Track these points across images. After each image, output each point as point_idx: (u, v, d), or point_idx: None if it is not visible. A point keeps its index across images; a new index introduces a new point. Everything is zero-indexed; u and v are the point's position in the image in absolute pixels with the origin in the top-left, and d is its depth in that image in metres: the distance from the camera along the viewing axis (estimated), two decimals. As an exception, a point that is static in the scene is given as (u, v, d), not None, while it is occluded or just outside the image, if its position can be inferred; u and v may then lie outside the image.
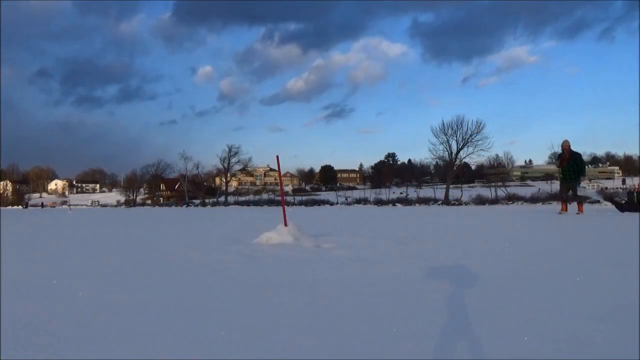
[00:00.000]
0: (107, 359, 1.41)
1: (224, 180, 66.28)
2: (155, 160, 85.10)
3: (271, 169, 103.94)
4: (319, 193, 66.64)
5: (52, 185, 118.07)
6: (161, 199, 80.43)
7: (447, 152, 45.39)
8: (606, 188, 33.21)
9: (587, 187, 35.54)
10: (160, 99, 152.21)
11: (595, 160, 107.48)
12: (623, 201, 12.67)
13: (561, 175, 11.31)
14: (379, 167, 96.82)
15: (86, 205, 77.21)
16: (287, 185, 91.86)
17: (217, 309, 2.01)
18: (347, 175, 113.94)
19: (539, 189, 31.86)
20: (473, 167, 67.19)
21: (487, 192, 33.08)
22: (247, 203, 43.85)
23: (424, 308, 1.97)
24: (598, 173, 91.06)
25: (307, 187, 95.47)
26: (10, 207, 68.65)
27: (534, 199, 27.16)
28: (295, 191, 67.79)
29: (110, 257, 4.04)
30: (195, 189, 66.64)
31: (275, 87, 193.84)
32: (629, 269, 2.87)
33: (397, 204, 31.79)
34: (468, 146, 44.46)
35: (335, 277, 2.81)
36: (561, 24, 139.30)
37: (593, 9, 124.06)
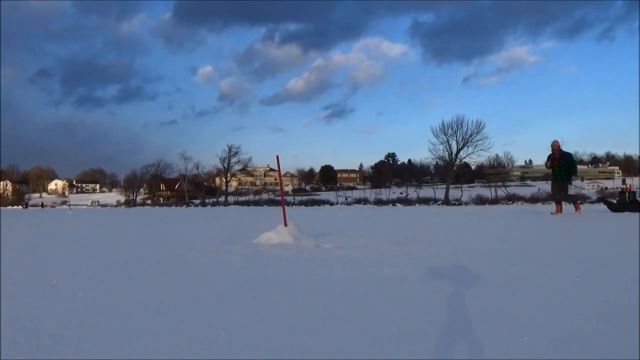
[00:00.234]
0: (107, 359, 1.41)
1: (224, 180, 66.31)
2: (155, 160, 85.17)
3: (271, 169, 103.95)
4: (319, 193, 66.69)
5: (52, 185, 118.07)
6: (161, 199, 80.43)
7: (447, 152, 45.45)
8: (606, 188, 33.22)
9: (584, 188, 35.51)
10: (161, 99, 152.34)
11: (595, 160, 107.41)
12: (615, 201, 12.68)
13: (552, 176, 11.28)
14: (379, 167, 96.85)
15: (86, 205, 77.21)
16: (287, 185, 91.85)
17: (217, 309, 2.01)
18: (347, 175, 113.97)
19: (539, 189, 31.84)
20: (473, 167, 67.24)
21: (487, 192, 33.08)
22: (247, 203, 43.86)
23: (424, 308, 1.97)
24: (598, 173, 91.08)
25: (307, 187, 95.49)
26: (10, 207, 68.67)
27: (534, 199, 27.16)
28: (295, 191, 67.76)
29: (110, 257, 4.04)
30: (195, 189, 66.69)
31: (276, 87, 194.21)
32: (628, 269, 2.87)
33: (397, 204, 31.79)
34: (468, 146, 44.53)
35: (336, 277, 2.81)
36: (561, 24, 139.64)
37: (593, 9, 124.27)
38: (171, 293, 2.40)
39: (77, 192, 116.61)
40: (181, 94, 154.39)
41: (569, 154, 11.13)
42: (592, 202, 22.47)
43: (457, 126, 44.25)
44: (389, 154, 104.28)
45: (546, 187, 30.21)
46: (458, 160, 46.48)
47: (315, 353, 1.43)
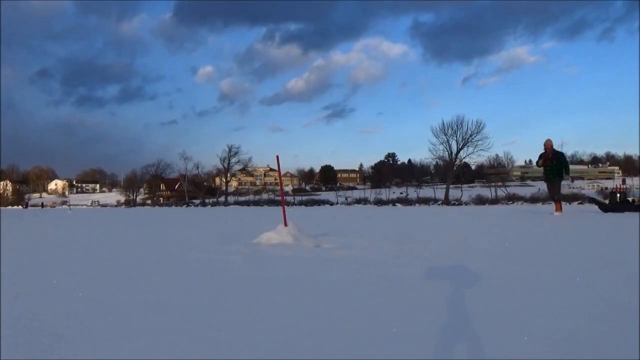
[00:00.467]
0: (107, 359, 1.41)
1: (224, 180, 66.32)
2: (155, 160, 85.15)
3: (271, 169, 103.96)
4: (319, 193, 66.72)
5: (52, 185, 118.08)
6: (161, 199, 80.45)
7: (447, 152, 45.48)
8: (606, 188, 33.18)
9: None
10: (161, 99, 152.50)
11: (595, 160, 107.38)
12: (606, 202, 12.69)
13: (544, 175, 11.26)
14: (379, 167, 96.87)
15: (86, 205, 77.26)
16: (287, 185, 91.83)
17: (217, 309, 2.01)
18: (347, 175, 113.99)
19: (539, 189, 31.83)
20: (473, 167, 67.26)
21: (487, 192, 33.09)
22: (247, 203, 43.89)
23: (424, 308, 1.97)
24: (598, 173, 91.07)
25: (307, 187, 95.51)
26: (10, 207, 68.68)
27: (534, 199, 27.17)
28: (295, 191, 67.78)
29: (110, 257, 4.04)
30: (195, 189, 66.72)
31: (276, 87, 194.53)
32: (628, 269, 2.87)
33: (397, 204, 31.80)
34: (468, 146, 44.56)
35: (336, 277, 2.81)
36: (561, 24, 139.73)
37: (593, 9, 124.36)
38: (171, 293, 2.40)
39: (77, 192, 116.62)
40: (181, 94, 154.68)
41: (561, 154, 11.11)
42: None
43: (457, 126, 44.30)
44: (389, 154, 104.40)
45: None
46: (458, 160, 46.51)
47: (315, 353, 1.43)
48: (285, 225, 4.90)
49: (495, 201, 29.39)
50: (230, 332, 1.65)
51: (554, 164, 10.83)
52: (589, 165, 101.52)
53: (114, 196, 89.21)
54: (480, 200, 29.97)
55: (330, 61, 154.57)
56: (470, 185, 60.30)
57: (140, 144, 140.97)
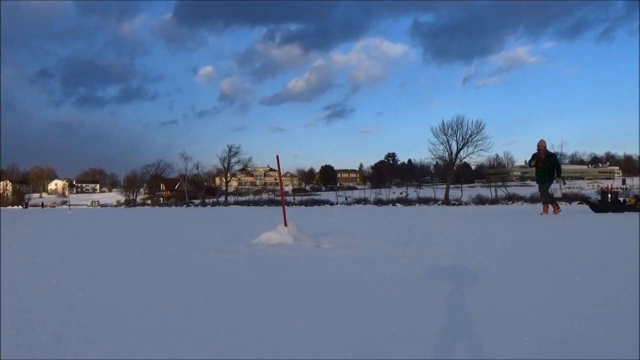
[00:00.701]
0: (107, 359, 1.41)
1: (224, 180, 66.35)
2: (155, 160, 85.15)
3: (271, 169, 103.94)
4: (319, 193, 66.73)
5: (52, 185, 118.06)
6: (161, 199, 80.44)
7: (447, 152, 45.49)
8: (616, 188, 33.24)
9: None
10: (161, 99, 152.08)
11: (595, 160, 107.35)
12: (597, 202, 12.70)
13: (536, 176, 11.20)
14: (379, 167, 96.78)
15: (86, 205, 77.24)
16: (287, 185, 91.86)
17: (217, 309, 2.01)
18: (347, 175, 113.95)
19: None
20: (473, 167, 67.27)
21: (487, 192, 33.10)
22: (247, 203, 43.91)
23: (424, 308, 1.97)
24: (598, 173, 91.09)
25: (307, 187, 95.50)
26: (10, 207, 68.70)
27: (534, 199, 27.18)
28: (295, 191, 67.79)
29: (110, 257, 4.04)
30: (195, 189, 66.72)
31: (276, 87, 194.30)
32: (628, 270, 2.87)
33: (397, 204, 31.82)
34: (468, 146, 44.58)
35: (336, 277, 2.81)
36: (562, 24, 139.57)
37: (593, 9, 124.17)
38: (171, 293, 2.40)
39: (77, 192, 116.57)
40: (182, 94, 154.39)
41: (554, 155, 11.08)
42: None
43: (457, 126, 44.33)
44: (389, 154, 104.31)
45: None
46: (458, 160, 46.55)
47: (316, 353, 1.43)
48: (285, 225, 4.90)
49: (495, 201, 29.41)
50: (231, 332, 1.66)
51: (545, 165, 10.79)
52: (589, 165, 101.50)
53: (114, 196, 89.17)
54: (480, 200, 29.99)
55: (331, 61, 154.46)
56: (470, 185, 60.34)
57: (140, 143, 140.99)
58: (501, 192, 32.34)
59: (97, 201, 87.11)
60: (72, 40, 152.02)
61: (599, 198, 12.97)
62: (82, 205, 74.92)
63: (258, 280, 2.73)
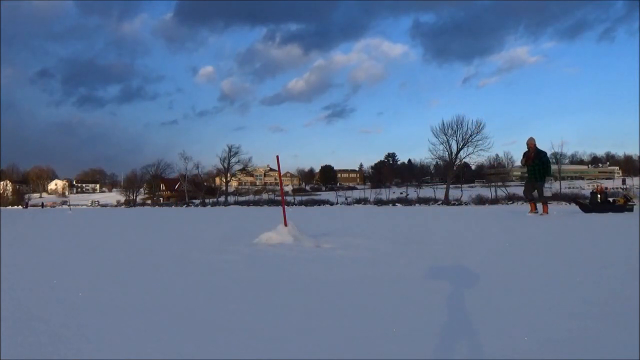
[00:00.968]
0: (107, 359, 1.41)
1: (224, 180, 66.33)
2: (155, 160, 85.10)
3: (271, 169, 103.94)
4: (319, 193, 66.75)
5: (52, 185, 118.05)
6: (161, 199, 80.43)
7: (447, 152, 45.46)
8: (606, 188, 33.22)
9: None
10: (162, 99, 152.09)
11: (595, 160, 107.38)
12: (587, 202, 12.72)
13: (527, 174, 11.15)
14: (379, 167, 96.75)
15: (86, 205, 77.23)
16: (287, 185, 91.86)
17: (217, 309, 2.01)
18: (347, 175, 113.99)
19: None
20: (473, 167, 67.27)
21: (487, 192, 33.10)
22: (247, 203, 43.90)
23: (424, 308, 1.97)
24: (598, 173, 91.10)
25: (307, 187, 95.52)
26: (10, 207, 68.68)
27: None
28: (295, 191, 67.79)
29: (110, 257, 4.04)
30: (195, 189, 66.68)
31: (276, 87, 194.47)
32: (628, 270, 2.87)
33: (397, 204, 31.81)
34: (468, 146, 44.56)
35: (336, 277, 2.81)
36: (562, 24, 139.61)
37: (594, 9, 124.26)
38: (171, 293, 2.40)
39: (77, 192, 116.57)
40: (182, 94, 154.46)
41: (544, 153, 10.96)
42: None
43: (457, 126, 44.31)
44: (389, 154, 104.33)
45: (546, 186, 30.14)
46: (458, 160, 46.53)
47: (316, 353, 1.43)
48: (285, 225, 4.90)
49: (495, 201, 29.41)
50: (230, 332, 1.66)
51: (535, 163, 10.73)
52: (589, 165, 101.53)
53: (114, 196, 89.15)
54: (480, 200, 29.98)
55: (331, 61, 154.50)
56: (470, 185, 60.37)
57: (140, 144, 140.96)
58: (501, 192, 32.34)
59: (97, 201, 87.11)
60: (72, 40, 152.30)
61: (589, 198, 12.98)
62: (82, 205, 74.89)
63: (258, 280, 2.73)
